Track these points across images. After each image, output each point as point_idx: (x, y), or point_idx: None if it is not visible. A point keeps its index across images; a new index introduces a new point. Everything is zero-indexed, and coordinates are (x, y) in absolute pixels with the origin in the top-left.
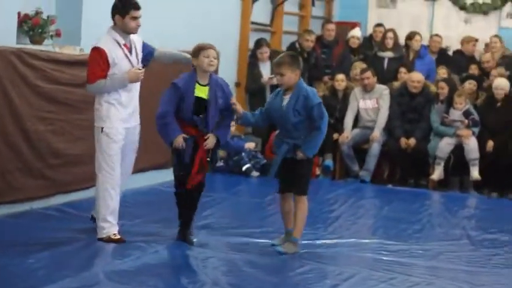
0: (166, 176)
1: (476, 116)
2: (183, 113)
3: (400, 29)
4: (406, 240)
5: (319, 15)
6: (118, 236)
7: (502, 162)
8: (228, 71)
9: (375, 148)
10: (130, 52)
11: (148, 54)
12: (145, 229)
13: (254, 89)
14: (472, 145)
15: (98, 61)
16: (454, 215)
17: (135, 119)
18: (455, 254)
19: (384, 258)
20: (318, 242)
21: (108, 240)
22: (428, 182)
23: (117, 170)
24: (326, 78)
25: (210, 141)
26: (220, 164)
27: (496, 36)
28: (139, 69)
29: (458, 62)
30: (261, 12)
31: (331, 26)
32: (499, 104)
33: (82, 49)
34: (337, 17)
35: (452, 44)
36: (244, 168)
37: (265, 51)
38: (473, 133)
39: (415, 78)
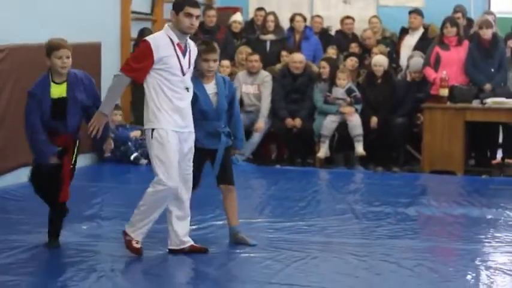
0: None
1: (358, 93)
2: (42, 119)
3: (281, 12)
4: (291, 218)
5: (199, 2)
6: (138, 246)
7: (385, 137)
8: (111, 62)
9: (256, 137)
10: (183, 54)
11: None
12: (36, 221)
13: None
14: (355, 122)
15: (138, 54)
16: (339, 190)
17: (188, 126)
18: (340, 228)
19: (270, 236)
20: (204, 225)
21: (129, 245)
22: (315, 160)
23: (175, 180)
24: None
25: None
26: (107, 154)
27: (375, 16)
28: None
29: (340, 41)
30: (141, 1)
31: (212, 12)
32: (379, 81)
33: None
34: (218, 3)
35: (334, 24)
36: (132, 157)
37: None
38: (356, 110)
39: (297, 59)
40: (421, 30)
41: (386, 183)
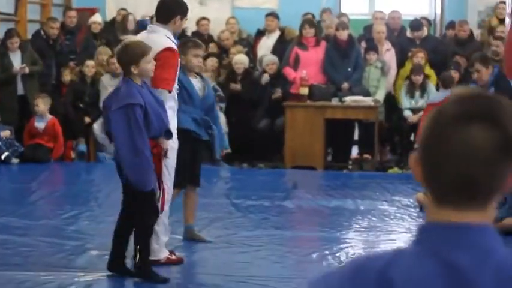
0: None
1: (221, 92)
2: (153, 131)
3: (138, 13)
4: (177, 213)
5: (59, 3)
6: (174, 257)
7: (248, 133)
8: None
9: None
10: None
11: None
12: None
13: (4, 79)
14: (220, 120)
15: (171, 65)
16: (214, 186)
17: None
18: (228, 221)
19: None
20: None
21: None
22: None
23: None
24: (72, 64)
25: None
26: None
27: (232, 17)
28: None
29: None
30: (4, 2)
31: (72, 13)
32: (239, 78)
33: None
34: (76, 4)
35: (190, 25)
36: (3, 156)
37: (15, 41)
38: (221, 108)
39: None
40: (277, 33)
41: (256, 178)
